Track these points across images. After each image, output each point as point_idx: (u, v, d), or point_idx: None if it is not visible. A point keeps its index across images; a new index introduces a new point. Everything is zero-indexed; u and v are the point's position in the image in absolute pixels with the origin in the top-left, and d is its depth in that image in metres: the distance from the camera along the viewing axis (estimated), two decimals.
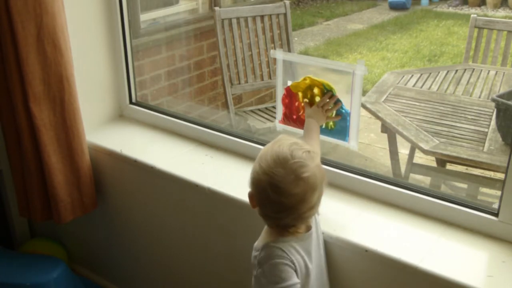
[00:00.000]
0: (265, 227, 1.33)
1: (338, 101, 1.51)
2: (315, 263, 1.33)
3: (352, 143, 1.54)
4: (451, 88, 3.31)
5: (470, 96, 3.18)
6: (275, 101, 1.81)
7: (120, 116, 2.20)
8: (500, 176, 2.54)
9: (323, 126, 1.56)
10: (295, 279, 1.23)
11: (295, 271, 1.25)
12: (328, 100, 1.51)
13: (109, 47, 2.08)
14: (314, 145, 1.48)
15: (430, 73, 3.50)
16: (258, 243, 1.31)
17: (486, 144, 2.57)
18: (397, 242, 1.41)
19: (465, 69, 3.52)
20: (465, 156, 2.49)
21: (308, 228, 1.32)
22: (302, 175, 1.21)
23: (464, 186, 2.95)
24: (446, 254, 1.36)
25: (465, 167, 2.83)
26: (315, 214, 1.37)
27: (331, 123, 1.56)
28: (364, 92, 2.22)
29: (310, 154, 1.25)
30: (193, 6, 4.05)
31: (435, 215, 1.50)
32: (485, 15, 6.79)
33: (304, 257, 1.28)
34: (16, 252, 2.28)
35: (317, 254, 1.36)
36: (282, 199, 1.22)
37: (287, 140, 1.28)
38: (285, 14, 3.52)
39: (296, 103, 1.59)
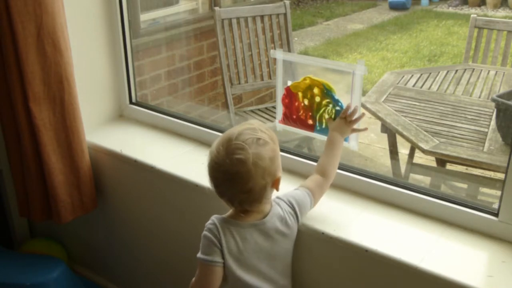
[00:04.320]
0: None
1: (337, 101, 1.51)
2: (258, 250, 1.38)
3: (352, 143, 1.54)
4: (451, 88, 3.31)
5: (470, 96, 3.18)
6: (275, 101, 1.81)
7: (120, 116, 2.20)
8: (500, 176, 2.54)
9: (323, 126, 1.56)
10: (216, 258, 1.36)
11: (221, 251, 1.35)
12: (350, 111, 1.49)
13: (109, 47, 2.08)
14: (331, 162, 1.50)
15: (430, 73, 3.50)
16: None
17: (486, 144, 2.57)
18: (397, 242, 1.41)
19: (465, 69, 3.52)
20: (465, 156, 2.49)
21: (254, 219, 1.38)
22: (234, 156, 1.29)
23: (464, 186, 2.95)
24: (446, 254, 1.36)
25: (465, 167, 2.83)
26: (287, 211, 1.42)
27: None
28: (364, 92, 2.22)
29: (258, 142, 1.32)
30: (193, 6, 4.05)
31: (435, 215, 1.50)
32: (485, 15, 6.79)
33: (238, 242, 1.36)
34: (16, 252, 2.28)
35: (266, 244, 1.39)
36: (216, 174, 1.34)
37: (247, 125, 1.36)
38: (285, 14, 3.52)
39: (296, 103, 1.59)
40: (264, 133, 1.35)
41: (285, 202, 1.44)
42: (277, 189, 1.38)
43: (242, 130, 1.33)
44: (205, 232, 1.38)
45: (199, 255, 1.39)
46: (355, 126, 1.51)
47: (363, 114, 1.50)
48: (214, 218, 1.40)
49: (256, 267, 1.39)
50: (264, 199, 1.36)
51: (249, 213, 1.38)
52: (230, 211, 1.42)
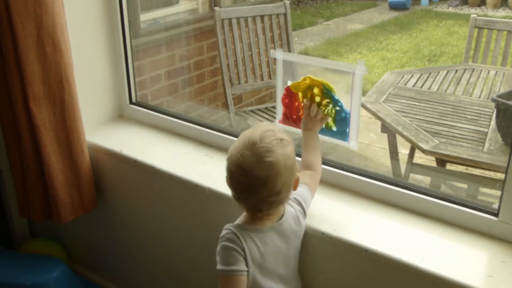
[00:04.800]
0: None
1: (337, 101, 1.51)
2: (276, 253, 1.37)
3: (352, 143, 1.54)
4: (451, 88, 3.31)
5: (470, 96, 3.18)
6: (275, 101, 1.81)
7: (120, 116, 2.20)
8: (500, 176, 2.54)
9: (323, 126, 1.56)
10: (242, 266, 1.32)
11: (245, 259, 1.32)
12: (310, 107, 1.52)
13: (109, 47, 2.08)
14: (313, 159, 1.52)
15: (430, 73, 3.50)
16: None
17: (486, 144, 2.57)
18: (397, 242, 1.41)
19: (465, 69, 3.52)
20: (465, 156, 2.49)
21: (273, 221, 1.37)
22: (265, 159, 1.27)
23: (464, 186, 2.95)
24: (446, 254, 1.36)
25: (465, 167, 2.83)
26: (297, 210, 1.42)
27: (331, 123, 1.56)
28: (364, 92, 2.22)
29: (282, 142, 1.31)
30: (193, 6, 4.05)
31: (435, 215, 1.50)
32: (485, 15, 6.79)
33: (260, 247, 1.34)
34: (16, 252, 2.28)
35: (282, 246, 1.38)
36: (244, 179, 1.30)
37: (264, 127, 1.35)
38: (285, 14, 3.52)
39: (296, 103, 1.59)
40: (282, 133, 1.35)
41: (292, 200, 1.43)
42: (295, 189, 1.38)
43: (263, 132, 1.31)
44: (224, 243, 1.33)
45: (221, 267, 1.33)
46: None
47: (338, 105, 1.52)
48: (230, 227, 1.35)
49: (275, 270, 1.38)
50: (287, 200, 1.36)
51: (270, 216, 1.36)
52: (243, 217, 1.39)
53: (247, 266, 1.32)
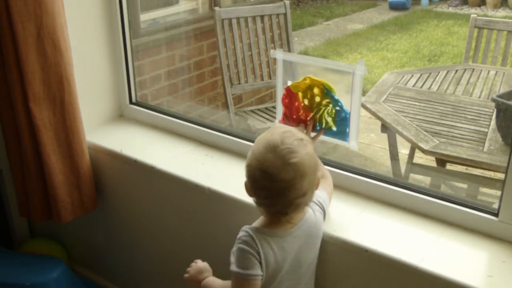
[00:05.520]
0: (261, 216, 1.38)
1: (337, 101, 1.51)
2: (292, 258, 1.35)
3: (352, 143, 1.54)
4: (451, 88, 3.31)
5: (470, 96, 3.18)
6: (275, 101, 1.81)
7: (120, 116, 2.20)
8: (500, 176, 2.55)
9: (323, 126, 1.56)
10: (257, 271, 1.29)
11: (260, 263, 1.30)
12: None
13: (109, 47, 2.08)
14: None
15: (430, 73, 3.50)
16: None
17: (486, 144, 2.57)
18: (397, 242, 1.41)
19: (465, 69, 3.52)
20: (465, 156, 2.49)
21: (293, 225, 1.34)
22: (290, 161, 1.25)
23: (464, 186, 2.95)
24: (446, 254, 1.36)
25: (465, 167, 2.83)
26: (318, 211, 1.41)
27: (331, 123, 1.56)
28: (364, 92, 2.22)
29: (302, 142, 1.29)
30: (193, 6, 4.05)
31: (435, 215, 1.50)
32: (485, 15, 6.80)
33: (276, 253, 1.32)
34: (16, 252, 2.28)
35: (299, 250, 1.36)
36: (271, 184, 1.26)
37: (280, 129, 1.33)
38: (285, 14, 3.52)
39: (296, 103, 1.59)
40: (300, 133, 1.33)
41: (314, 202, 1.42)
42: (317, 188, 1.35)
43: (282, 134, 1.29)
44: (241, 245, 1.31)
45: (237, 269, 1.30)
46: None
47: (308, 120, 1.53)
48: (247, 229, 1.33)
49: (290, 276, 1.36)
50: (311, 201, 1.35)
51: (292, 220, 1.33)
52: (262, 220, 1.36)
53: (262, 270, 1.30)
